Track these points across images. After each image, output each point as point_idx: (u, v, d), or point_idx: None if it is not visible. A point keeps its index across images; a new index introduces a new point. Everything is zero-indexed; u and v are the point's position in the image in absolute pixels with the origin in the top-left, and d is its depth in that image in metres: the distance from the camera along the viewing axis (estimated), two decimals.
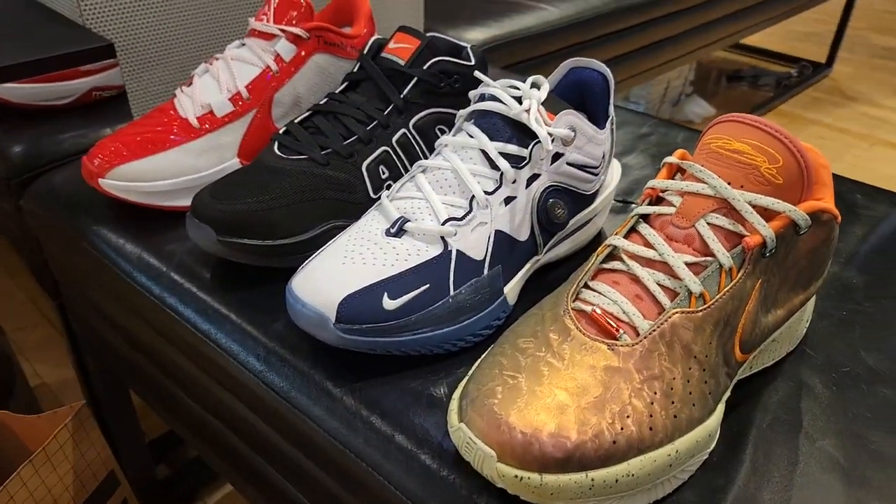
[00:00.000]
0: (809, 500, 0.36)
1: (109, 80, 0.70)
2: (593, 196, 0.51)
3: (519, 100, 0.46)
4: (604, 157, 0.50)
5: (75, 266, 0.61)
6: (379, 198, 0.52)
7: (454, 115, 0.55)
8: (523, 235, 0.46)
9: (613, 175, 0.55)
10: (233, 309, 0.48)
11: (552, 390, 0.33)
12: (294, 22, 0.59)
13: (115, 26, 0.70)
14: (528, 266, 0.47)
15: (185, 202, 0.56)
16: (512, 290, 0.46)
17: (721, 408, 0.37)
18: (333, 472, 0.42)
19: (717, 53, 2.52)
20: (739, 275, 0.36)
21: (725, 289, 0.36)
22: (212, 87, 0.58)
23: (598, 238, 0.56)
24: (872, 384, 0.43)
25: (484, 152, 0.45)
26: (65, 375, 1.12)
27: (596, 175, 0.50)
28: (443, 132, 0.55)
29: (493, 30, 1.07)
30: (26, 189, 0.63)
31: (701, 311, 0.35)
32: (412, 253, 0.42)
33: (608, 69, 0.51)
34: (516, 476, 0.32)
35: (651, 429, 0.33)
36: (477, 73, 0.48)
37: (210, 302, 0.48)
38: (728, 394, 0.38)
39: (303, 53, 0.59)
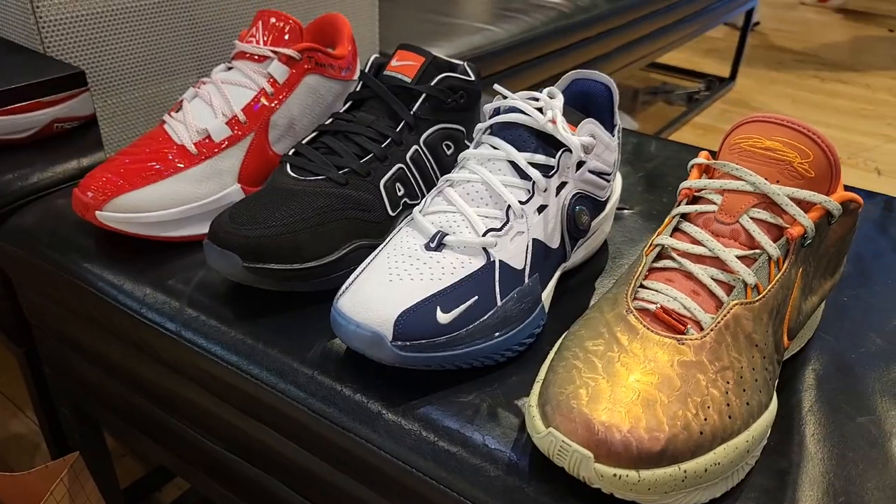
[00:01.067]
0: (867, 474, 0.38)
1: (71, 110, 0.66)
2: (605, 202, 0.53)
3: (540, 111, 0.47)
4: (615, 163, 0.51)
5: (61, 307, 0.57)
6: (396, 216, 0.52)
7: (460, 130, 0.56)
8: (555, 243, 0.46)
9: (617, 182, 0.57)
10: (259, 339, 0.46)
11: (635, 387, 0.34)
12: (285, 43, 0.58)
13: (79, 54, 0.67)
14: (558, 273, 0.48)
15: (187, 232, 0.53)
16: (547, 297, 0.47)
17: (775, 393, 0.39)
18: (395, 496, 0.41)
19: (631, 72, 2.65)
20: (785, 264, 0.38)
21: (775, 278, 0.38)
22: (205, 111, 0.56)
23: (605, 244, 0.57)
24: (888, 361, 0.46)
25: (512, 163, 0.46)
26: (4, 433, 1.03)
27: (608, 181, 0.51)
28: (449, 148, 0.55)
29: (445, 50, 1.09)
30: None
31: (757, 301, 0.37)
32: (457, 266, 0.42)
33: (612, 80, 0.53)
34: (615, 475, 0.32)
35: (730, 417, 0.34)
36: (496, 87, 0.48)
37: (234, 334, 0.46)
38: (777, 380, 0.40)
39: (295, 74, 0.58)
